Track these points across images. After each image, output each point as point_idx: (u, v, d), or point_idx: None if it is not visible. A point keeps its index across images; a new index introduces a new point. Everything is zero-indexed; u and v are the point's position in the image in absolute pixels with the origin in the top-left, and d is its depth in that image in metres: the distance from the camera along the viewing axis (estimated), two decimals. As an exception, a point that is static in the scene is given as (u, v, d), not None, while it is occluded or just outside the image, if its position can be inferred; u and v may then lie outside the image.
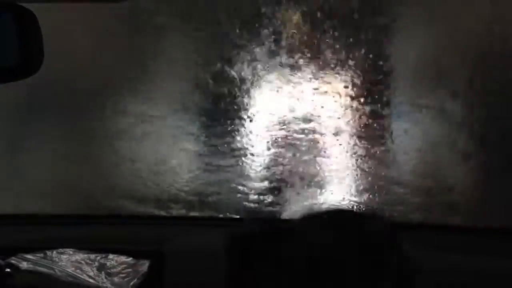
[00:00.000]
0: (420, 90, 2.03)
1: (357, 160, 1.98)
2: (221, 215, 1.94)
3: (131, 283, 1.36)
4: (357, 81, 2.08)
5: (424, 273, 1.31)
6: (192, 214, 2.05)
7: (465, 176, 1.94)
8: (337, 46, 2.08)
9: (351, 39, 2.07)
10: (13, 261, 1.42)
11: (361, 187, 1.96)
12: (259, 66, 2.13)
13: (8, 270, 1.39)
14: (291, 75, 2.14)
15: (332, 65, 2.12)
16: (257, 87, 2.14)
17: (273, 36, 2.13)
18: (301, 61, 2.16)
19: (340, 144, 1.99)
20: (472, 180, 1.96)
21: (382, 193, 1.94)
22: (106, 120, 2.30)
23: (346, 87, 2.05)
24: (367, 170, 1.97)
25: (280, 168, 2.03)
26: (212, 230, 1.69)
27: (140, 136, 2.23)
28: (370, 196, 1.96)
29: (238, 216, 1.87)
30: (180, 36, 2.29)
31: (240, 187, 2.03)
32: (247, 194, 1.99)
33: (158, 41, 2.26)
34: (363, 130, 1.99)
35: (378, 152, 1.98)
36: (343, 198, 1.94)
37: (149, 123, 2.20)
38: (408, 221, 1.82)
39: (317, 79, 2.14)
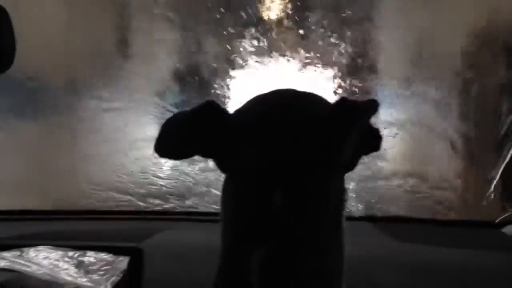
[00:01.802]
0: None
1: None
2: (200, 210, 1.94)
3: (110, 281, 1.35)
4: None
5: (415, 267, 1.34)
6: (171, 210, 2.03)
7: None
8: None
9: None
10: (-12, 260, 1.39)
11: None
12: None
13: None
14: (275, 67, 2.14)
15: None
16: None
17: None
18: (286, 53, 2.16)
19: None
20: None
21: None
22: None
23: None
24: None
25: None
26: (191, 225, 1.69)
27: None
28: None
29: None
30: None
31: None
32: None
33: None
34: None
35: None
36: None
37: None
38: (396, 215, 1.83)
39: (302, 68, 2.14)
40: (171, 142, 0.75)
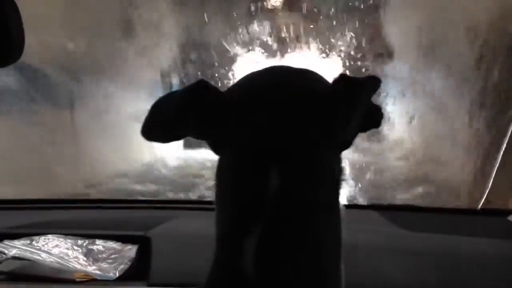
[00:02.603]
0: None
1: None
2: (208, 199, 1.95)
3: (119, 269, 1.36)
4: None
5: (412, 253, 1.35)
6: (179, 198, 2.04)
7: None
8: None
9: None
10: (-1, 248, 1.41)
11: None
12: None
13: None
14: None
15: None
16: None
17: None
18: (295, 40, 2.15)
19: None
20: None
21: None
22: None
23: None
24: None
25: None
26: (199, 214, 1.70)
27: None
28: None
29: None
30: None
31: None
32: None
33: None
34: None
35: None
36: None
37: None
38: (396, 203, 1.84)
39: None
40: (160, 124, 0.72)
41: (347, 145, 0.74)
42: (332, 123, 0.68)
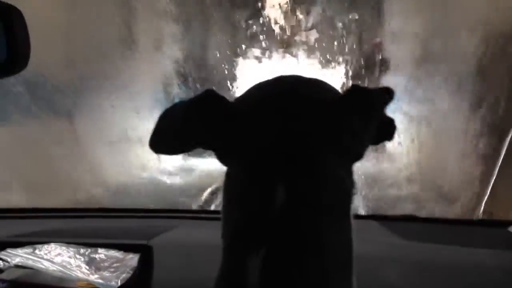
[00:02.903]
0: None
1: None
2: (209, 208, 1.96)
3: (121, 277, 1.37)
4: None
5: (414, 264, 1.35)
6: (180, 208, 2.05)
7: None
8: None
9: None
10: (2, 256, 1.42)
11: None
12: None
13: (-2, 265, 1.39)
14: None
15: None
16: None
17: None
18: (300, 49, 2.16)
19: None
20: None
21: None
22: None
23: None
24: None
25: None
26: (200, 223, 1.70)
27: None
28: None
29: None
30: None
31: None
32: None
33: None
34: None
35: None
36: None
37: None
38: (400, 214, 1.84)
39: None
40: (168, 136, 0.70)
41: (358, 156, 0.71)
42: (342, 132, 0.66)
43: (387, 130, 0.73)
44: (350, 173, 0.69)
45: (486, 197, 1.76)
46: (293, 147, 0.65)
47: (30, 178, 2.29)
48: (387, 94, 0.69)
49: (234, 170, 0.69)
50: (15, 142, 2.33)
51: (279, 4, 2.23)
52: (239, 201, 0.67)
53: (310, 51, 2.19)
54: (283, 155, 0.65)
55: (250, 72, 2.24)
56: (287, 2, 2.24)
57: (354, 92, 0.68)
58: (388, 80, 2.20)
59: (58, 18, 2.35)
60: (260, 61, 2.26)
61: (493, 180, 1.77)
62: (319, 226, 0.65)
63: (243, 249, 0.65)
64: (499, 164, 1.76)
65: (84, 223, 1.75)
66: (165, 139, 0.71)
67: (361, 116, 0.67)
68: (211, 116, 0.67)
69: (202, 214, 1.86)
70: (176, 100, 2.22)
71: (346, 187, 0.68)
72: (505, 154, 1.76)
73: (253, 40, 2.25)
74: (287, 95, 0.69)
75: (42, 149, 2.39)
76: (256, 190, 0.65)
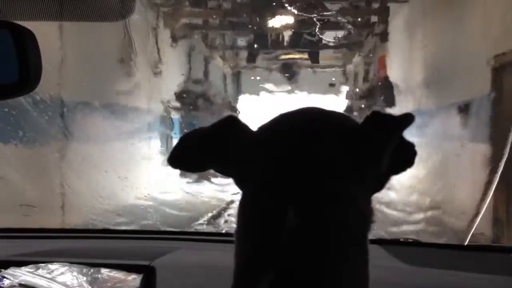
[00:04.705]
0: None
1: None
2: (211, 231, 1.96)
3: (123, 298, 1.37)
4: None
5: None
6: (183, 230, 2.05)
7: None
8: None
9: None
10: (6, 275, 1.42)
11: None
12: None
13: (1, 284, 1.39)
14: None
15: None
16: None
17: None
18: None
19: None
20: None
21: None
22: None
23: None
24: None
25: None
26: (202, 246, 1.71)
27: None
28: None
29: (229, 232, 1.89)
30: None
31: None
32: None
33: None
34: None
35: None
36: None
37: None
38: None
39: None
40: (189, 155, 0.73)
41: (379, 185, 0.71)
42: (362, 159, 0.66)
43: (407, 156, 0.73)
44: (368, 202, 0.69)
45: (491, 223, 1.76)
46: (313, 174, 0.66)
47: (34, 198, 2.31)
48: (407, 119, 0.69)
49: (248, 196, 0.70)
50: (19, 162, 2.35)
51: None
52: (250, 224, 0.69)
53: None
54: (301, 181, 0.65)
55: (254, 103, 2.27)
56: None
57: (374, 117, 0.69)
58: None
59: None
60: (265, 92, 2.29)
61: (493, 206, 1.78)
62: (332, 255, 0.64)
63: (252, 271, 0.65)
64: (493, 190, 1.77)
65: (88, 244, 1.75)
66: (185, 157, 0.74)
67: (383, 141, 0.67)
68: (235, 140, 0.70)
69: (204, 237, 1.86)
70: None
71: (364, 215, 0.68)
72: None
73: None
74: (308, 125, 0.70)
75: (46, 169, 2.41)
76: (268, 217, 0.66)
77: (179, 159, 0.74)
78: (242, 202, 0.70)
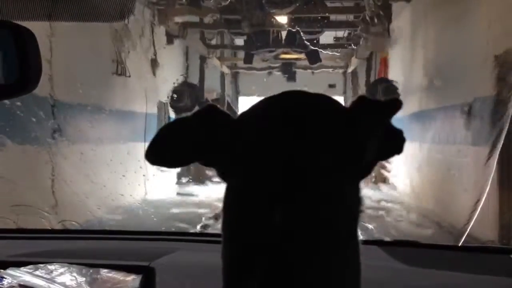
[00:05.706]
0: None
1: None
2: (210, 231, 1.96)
3: (122, 298, 1.37)
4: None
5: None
6: (183, 231, 2.05)
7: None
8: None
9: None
10: (5, 275, 1.42)
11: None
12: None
13: (0, 284, 1.39)
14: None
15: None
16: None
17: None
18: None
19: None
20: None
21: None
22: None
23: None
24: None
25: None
26: (201, 246, 1.71)
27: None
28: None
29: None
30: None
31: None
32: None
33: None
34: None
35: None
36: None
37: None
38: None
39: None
40: (168, 148, 0.69)
41: (366, 171, 0.69)
42: (350, 144, 0.65)
43: (395, 142, 0.71)
44: (357, 189, 0.67)
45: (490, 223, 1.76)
46: (299, 161, 0.64)
47: (35, 199, 2.31)
48: (395, 104, 0.68)
49: (235, 185, 0.67)
50: (19, 163, 2.35)
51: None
52: (237, 219, 0.66)
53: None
54: (287, 169, 0.63)
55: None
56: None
57: (361, 102, 0.67)
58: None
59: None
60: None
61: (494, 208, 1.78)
62: (321, 247, 0.63)
63: (239, 270, 0.64)
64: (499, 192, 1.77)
65: (87, 244, 1.75)
66: (164, 151, 0.70)
67: (370, 126, 0.65)
68: (212, 130, 0.67)
69: (203, 237, 1.86)
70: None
71: (352, 205, 0.66)
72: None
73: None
74: (292, 109, 0.68)
75: (45, 170, 2.41)
76: (254, 206, 0.64)
77: (158, 155, 0.70)
78: (227, 197, 0.68)
